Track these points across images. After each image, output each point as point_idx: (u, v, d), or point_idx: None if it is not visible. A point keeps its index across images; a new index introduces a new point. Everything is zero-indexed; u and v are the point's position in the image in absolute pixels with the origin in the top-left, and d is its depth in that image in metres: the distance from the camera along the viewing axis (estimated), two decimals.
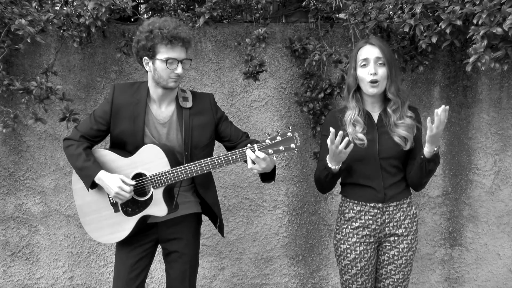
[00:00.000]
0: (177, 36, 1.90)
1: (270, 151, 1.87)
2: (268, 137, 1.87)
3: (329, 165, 1.99)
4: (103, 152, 2.07)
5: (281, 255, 3.10)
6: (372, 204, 2.07)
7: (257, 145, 1.88)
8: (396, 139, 2.03)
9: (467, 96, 2.99)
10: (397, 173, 2.09)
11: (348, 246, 2.11)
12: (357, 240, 2.10)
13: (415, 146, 2.09)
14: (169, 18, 1.96)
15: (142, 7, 3.12)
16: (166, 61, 1.92)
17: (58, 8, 2.55)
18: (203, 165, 1.96)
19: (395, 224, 2.09)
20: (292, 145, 1.86)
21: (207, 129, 2.11)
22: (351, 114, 2.05)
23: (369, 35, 2.66)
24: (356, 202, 2.11)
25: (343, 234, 2.13)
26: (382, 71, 1.98)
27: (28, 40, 2.39)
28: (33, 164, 2.91)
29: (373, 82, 1.98)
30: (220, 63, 2.91)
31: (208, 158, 1.96)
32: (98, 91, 2.89)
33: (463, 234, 3.11)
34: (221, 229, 2.27)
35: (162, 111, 2.07)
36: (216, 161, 1.94)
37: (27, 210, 2.95)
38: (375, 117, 2.09)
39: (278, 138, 1.86)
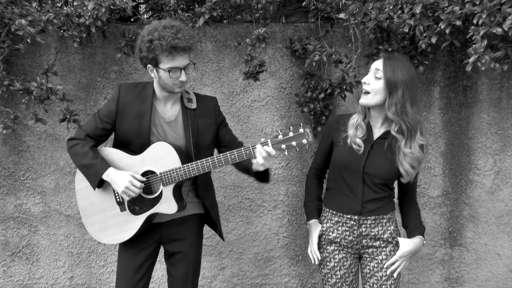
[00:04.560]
0: (176, 46, 1.86)
1: (283, 146, 1.90)
2: (281, 133, 1.90)
3: (307, 221, 2.19)
4: (109, 151, 2.06)
5: (281, 255, 3.10)
6: (349, 216, 2.05)
7: (271, 140, 1.90)
8: (402, 170, 1.96)
9: (467, 96, 2.99)
10: (381, 191, 2.04)
11: (327, 255, 2.10)
12: (335, 248, 2.09)
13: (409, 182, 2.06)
14: (169, 23, 1.91)
15: (142, 7, 3.12)
16: (169, 71, 1.91)
17: (58, 8, 2.55)
18: (216, 160, 1.96)
19: (372, 237, 2.06)
20: (304, 141, 1.89)
21: (210, 131, 2.13)
22: (356, 118, 2.03)
23: (366, 35, 2.66)
24: (334, 212, 2.09)
25: (322, 243, 2.12)
26: (376, 84, 1.93)
27: (28, 40, 2.39)
28: (33, 164, 2.91)
29: (364, 90, 1.96)
30: (220, 63, 2.91)
31: (220, 154, 1.96)
32: (98, 91, 2.89)
33: (463, 234, 3.11)
34: (221, 234, 2.29)
35: (168, 110, 2.08)
36: (229, 157, 1.94)
37: (27, 210, 2.95)
38: (376, 132, 2.03)
39: (291, 134, 1.89)
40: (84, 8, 2.48)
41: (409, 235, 2.11)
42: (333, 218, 2.10)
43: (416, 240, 2.08)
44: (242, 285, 3.12)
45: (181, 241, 2.14)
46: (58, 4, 2.61)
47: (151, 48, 1.88)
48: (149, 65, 1.95)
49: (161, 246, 2.21)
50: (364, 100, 1.96)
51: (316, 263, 2.11)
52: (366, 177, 2.01)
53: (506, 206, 3.08)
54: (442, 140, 3.02)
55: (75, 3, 2.55)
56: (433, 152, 3.02)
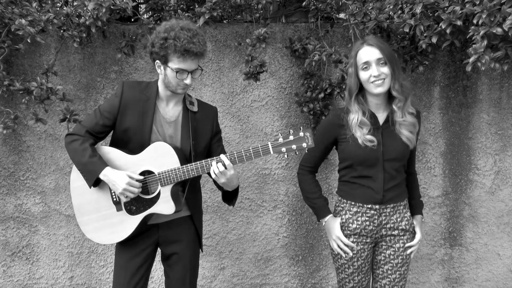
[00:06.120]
0: (190, 50, 1.87)
1: (283, 149, 1.91)
2: (281, 136, 1.92)
3: (320, 219, 2.18)
4: (107, 149, 2.04)
5: (281, 255, 3.10)
6: (369, 206, 2.07)
7: (271, 143, 1.91)
8: (404, 138, 2.04)
9: (467, 96, 2.99)
10: (398, 176, 2.09)
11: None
12: (354, 240, 2.10)
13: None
14: (187, 25, 1.92)
15: (142, 7, 3.12)
16: (177, 72, 1.91)
17: (58, 8, 2.55)
18: (215, 161, 1.95)
19: (392, 225, 2.10)
20: (304, 145, 1.91)
21: (206, 137, 2.13)
22: (355, 117, 2.02)
23: (366, 35, 2.66)
24: (352, 203, 2.10)
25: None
26: (385, 70, 1.96)
27: (28, 40, 2.39)
28: (33, 164, 2.91)
29: (378, 81, 1.96)
30: (220, 63, 2.91)
31: (220, 155, 1.95)
32: (98, 91, 2.89)
33: (463, 234, 3.11)
34: (201, 243, 2.25)
35: (169, 110, 2.08)
36: (229, 158, 1.95)
37: (27, 210, 2.95)
38: (381, 118, 2.07)
39: (291, 137, 1.91)
40: (84, 8, 2.49)
41: (412, 213, 2.21)
42: (351, 208, 2.11)
43: (419, 220, 2.22)
44: (242, 285, 3.12)
45: (177, 242, 2.13)
46: (58, 4, 2.61)
47: (165, 45, 1.89)
48: (157, 61, 1.96)
49: (158, 247, 2.19)
50: (382, 88, 1.98)
51: (350, 254, 2.10)
52: (386, 165, 2.04)
53: (506, 206, 3.08)
54: (442, 140, 3.02)
55: (75, 3, 2.56)
56: (433, 152, 3.02)
